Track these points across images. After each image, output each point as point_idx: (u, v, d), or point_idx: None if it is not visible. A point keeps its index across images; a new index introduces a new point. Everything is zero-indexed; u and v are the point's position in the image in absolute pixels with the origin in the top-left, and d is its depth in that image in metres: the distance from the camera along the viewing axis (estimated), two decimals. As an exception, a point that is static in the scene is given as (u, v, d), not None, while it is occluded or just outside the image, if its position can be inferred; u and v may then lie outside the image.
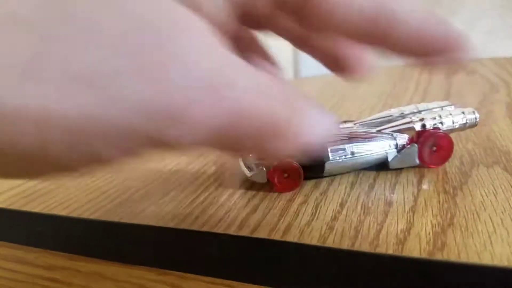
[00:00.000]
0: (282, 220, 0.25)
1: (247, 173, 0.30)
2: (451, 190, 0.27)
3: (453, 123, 0.32)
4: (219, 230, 0.25)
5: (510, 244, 0.21)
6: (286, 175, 0.29)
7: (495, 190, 0.26)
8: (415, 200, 0.26)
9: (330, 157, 0.30)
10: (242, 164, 0.32)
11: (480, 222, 0.23)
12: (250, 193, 0.29)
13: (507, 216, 0.23)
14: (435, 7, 0.62)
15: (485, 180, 0.28)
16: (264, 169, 0.29)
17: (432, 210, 0.25)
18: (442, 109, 0.33)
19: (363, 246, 0.22)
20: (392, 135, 0.31)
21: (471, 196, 0.26)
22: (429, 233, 0.22)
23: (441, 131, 0.31)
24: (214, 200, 0.29)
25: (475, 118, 0.32)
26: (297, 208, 0.27)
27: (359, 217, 0.25)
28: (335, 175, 0.31)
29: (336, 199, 0.28)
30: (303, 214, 0.26)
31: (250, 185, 0.31)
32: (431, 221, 0.24)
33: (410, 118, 0.32)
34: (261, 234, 0.24)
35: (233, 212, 0.27)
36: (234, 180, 0.32)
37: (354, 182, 0.30)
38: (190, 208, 0.28)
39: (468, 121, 0.32)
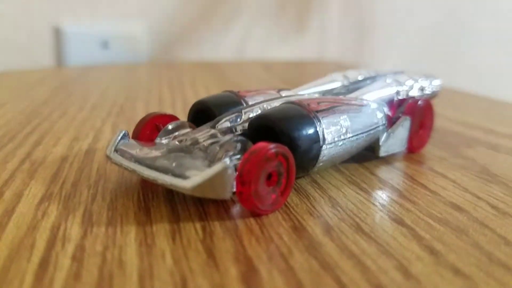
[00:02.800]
0: None
1: (181, 184, 0.13)
2: None
3: (423, 90, 0.23)
4: None
5: None
6: (269, 174, 0.13)
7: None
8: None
9: (327, 138, 0.16)
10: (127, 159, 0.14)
11: None
12: (183, 233, 0.12)
13: None
14: (212, 16, 0.56)
15: None
16: (229, 161, 0.13)
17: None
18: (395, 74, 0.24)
19: None
20: (379, 103, 0.19)
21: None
22: None
23: (421, 101, 0.21)
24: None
25: (439, 85, 0.24)
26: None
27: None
28: (317, 171, 0.17)
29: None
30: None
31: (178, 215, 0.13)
32: None
33: (388, 82, 0.21)
34: None
35: None
36: (128, 204, 0.14)
37: (344, 183, 0.17)
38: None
39: (434, 89, 0.24)
